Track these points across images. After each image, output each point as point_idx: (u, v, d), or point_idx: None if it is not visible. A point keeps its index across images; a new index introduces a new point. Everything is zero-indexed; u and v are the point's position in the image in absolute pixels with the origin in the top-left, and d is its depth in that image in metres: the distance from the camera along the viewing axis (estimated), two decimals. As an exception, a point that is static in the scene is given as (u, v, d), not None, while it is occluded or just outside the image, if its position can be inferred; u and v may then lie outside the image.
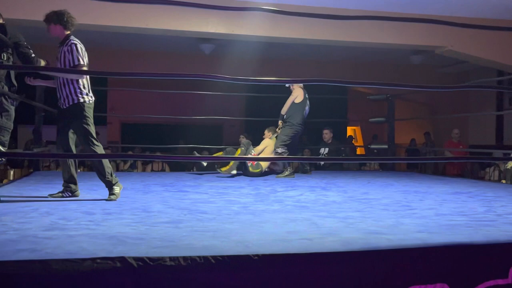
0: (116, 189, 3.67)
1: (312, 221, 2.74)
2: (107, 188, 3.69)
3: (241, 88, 9.98)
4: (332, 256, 1.93)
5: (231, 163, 5.67)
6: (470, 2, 7.19)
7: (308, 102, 6.08)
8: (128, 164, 8.56)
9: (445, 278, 2.00)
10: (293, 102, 5.93)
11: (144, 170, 8.58)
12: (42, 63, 3.73)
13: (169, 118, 9.65)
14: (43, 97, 5.94)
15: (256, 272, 1.84)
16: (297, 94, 5.97)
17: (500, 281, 2.06)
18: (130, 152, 8.75)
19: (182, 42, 9.01)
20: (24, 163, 7.89)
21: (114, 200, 3.59)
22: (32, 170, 6.26)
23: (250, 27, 7.26)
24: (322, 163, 7.25)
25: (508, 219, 2.87)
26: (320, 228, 2.54)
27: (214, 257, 1.82)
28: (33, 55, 3.65)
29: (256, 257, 1.84)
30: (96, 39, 7.83)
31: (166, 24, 7.15)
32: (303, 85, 6.04)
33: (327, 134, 7.51)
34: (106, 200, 3.58)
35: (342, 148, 7.55)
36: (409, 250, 2.04)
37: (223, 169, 5.70)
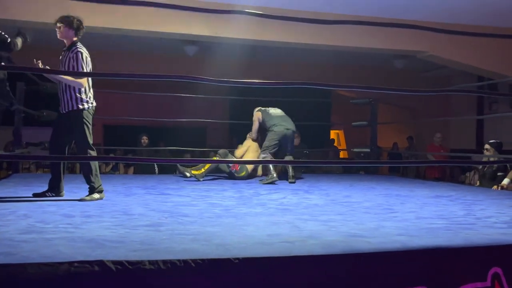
0: (95, 196, 3.65)
1: (294, 224, 2.74)
2: (88, 191, 3.69)
3: (225, 90, 9.96)
4: (312, 259, 1.93)
5: (203, 169, 5.62)
6: (451, 8, 7.30)
7: (268, 109, 6.06)
8: (110, 166, 8.49)
9: (424, 281, 2.01)
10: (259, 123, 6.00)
11: (126, 172, 8.52)
12: (19, 43, 3.66)
13: (152, 120, 9.58)
14: (23, 98, 5.84)
15: (237, 276, 1.83)
16: (256, 117, 6.04)
17: (479, 284, 2.08)
18: (111, 155, 8.67)
19: (165, 43, 8.96)
20: (3, 165, 7.76)
21: (87, 200, 3.56)
22: (11, 172, 6.15)
23: (234, 30, 7.26)
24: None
25: (487, 223, 2.90)
26: (302, 231, 2.53)
27: (194, 260, 1.80)
28: (8, 40, 3.60)
29: (236, 261, 1.83)
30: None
31: (149, 26, 7.11)
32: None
33: (296, 139, 7.48)
34: (79, 199, 3.58)
35: (305, 151, 7.54)
36: (389, 253, 2.04)
37: (195, 172, 5.62)
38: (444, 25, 7.31)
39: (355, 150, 7.92)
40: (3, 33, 3.58)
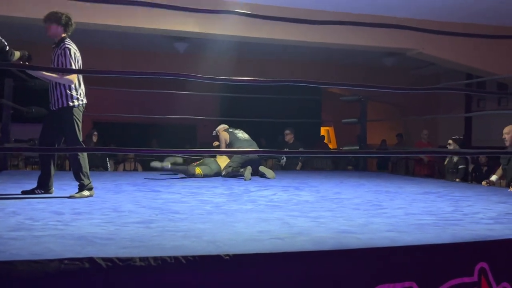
0: (85, 193, 3.64)
1: (284, 221, 2.75)
2: (78, 188, 3.67)
3: (215, 87, 9.94)
4: (302, 256, 1.95)
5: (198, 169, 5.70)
6: (441, 6, 7.35)
7: (235, 132, 6.10)
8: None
9: (413, 276, 2.04)
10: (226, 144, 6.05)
11: (116, 169, 8.46)
12: (17, 54, 3.64)
13: (142, 117, 9.53)
14: (11, 94, 5.79)
15: (227, 272, 1.84)
16: (223, 138, 6.07)
17: (466, 279, 2.11)
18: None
19: (155, 40, 8.93)
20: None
21: (77, 198, 3.55)
22: (-1, 169, 6.09)
23: (224, 27, 7.25)
24: (283, 163, 7.22)
25: (474, 218, 2.94)
26: (292, 227, 2.55)
27: (184, 257, 1.81)
28: (7, 48, 3.57)
29: (227, 257, 1.84)
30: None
31: (139, 22, 7.07)
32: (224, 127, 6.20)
33: (288, 135, 7.50)
34: (69, 197, 3.57)
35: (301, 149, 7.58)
36: (378, 249, 2.07)
37: (198, 170, 5.68)
38: (435, 23, 7.38)
39: (344, 148, 7.95)
40: (2, 40, 3.55)
